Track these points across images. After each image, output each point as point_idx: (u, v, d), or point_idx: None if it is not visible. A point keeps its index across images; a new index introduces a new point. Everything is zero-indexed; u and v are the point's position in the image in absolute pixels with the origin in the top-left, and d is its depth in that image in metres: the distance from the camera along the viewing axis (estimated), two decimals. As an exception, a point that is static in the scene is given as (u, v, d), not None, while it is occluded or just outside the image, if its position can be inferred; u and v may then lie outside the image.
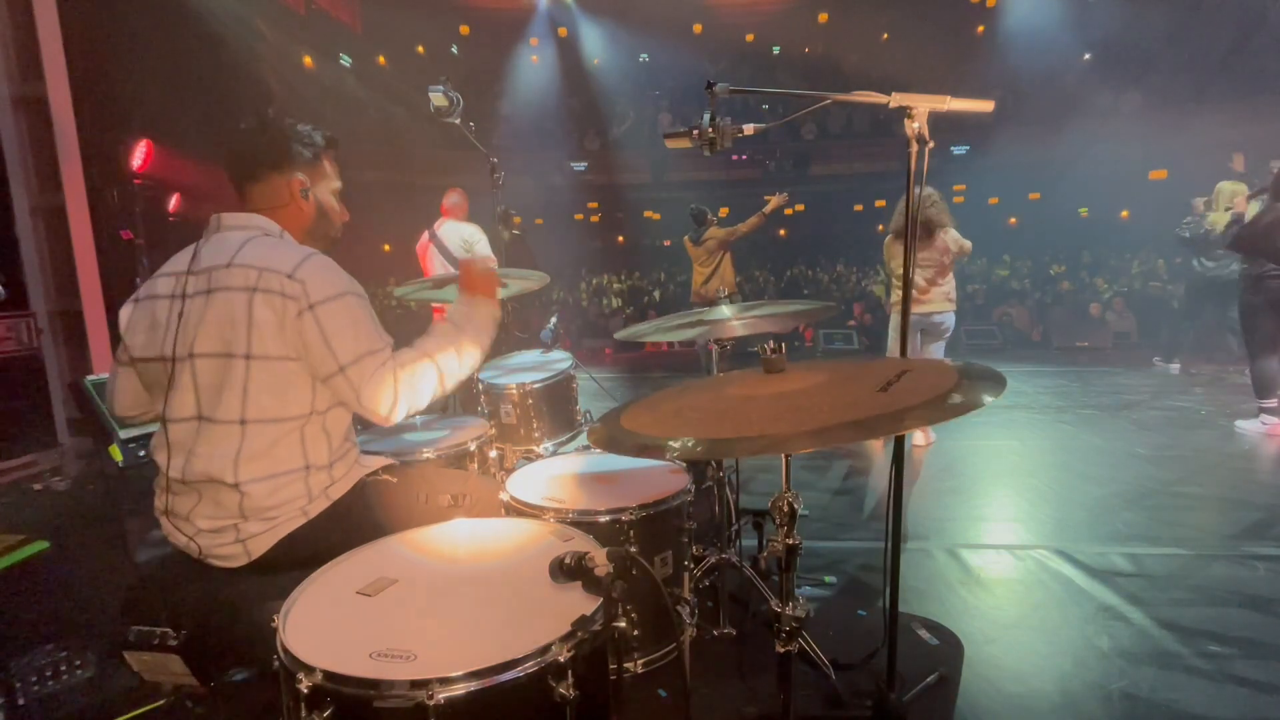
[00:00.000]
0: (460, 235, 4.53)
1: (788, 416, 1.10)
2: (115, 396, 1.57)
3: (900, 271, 4.24)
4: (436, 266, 4.55)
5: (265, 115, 1.56)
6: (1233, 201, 5.52)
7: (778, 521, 1.23)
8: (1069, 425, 5.01)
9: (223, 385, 1.37)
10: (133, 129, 4.84)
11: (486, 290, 1.69)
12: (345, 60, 11.10)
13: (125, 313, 1.51)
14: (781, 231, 14.70)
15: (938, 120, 1.57)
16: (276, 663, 1.03)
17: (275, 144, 1.52)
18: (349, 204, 1.68)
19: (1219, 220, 5.64)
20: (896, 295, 4.45)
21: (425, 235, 4.63)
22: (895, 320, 4.51)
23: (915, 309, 4.34)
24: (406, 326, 10.38)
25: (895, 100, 1.54)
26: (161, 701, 1.81)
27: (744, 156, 13.57)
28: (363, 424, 1.61)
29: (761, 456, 1.03)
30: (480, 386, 2.65)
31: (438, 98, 2.91)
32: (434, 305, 4.60)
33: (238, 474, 1.37)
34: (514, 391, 2.55)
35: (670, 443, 1.12)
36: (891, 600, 1.75)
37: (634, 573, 1.14)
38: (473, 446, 2.21)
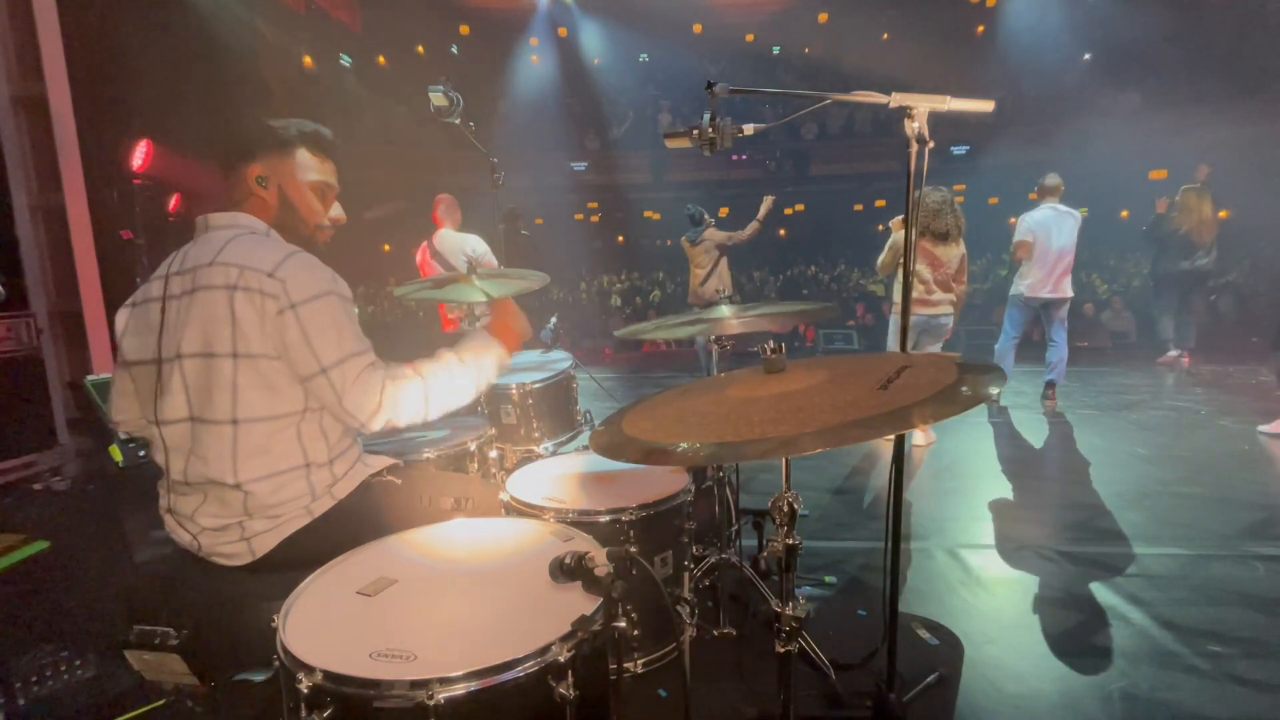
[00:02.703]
0: (461, 246, 4.47)
1: (791, 417, 1.10)
2: (111, 401, 1.57)
3: (916, 269, 4.30)
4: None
5: (235, 110, 1.57)
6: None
7: (778, 521, 1.23)
8: (1069, 425, 5.01)
9: (211, 385, 1.37)
10: (133, 129, 4.83)
11: (510, 341, 1.67)
12: (345, 60, 11.10)
13: (121, 317, 1.51)
14: (781, 231, 14.67)
15: (938, 120, 1.57)
16: (276, 663, 1.03)
17: (239, 134, 1.52)
18: (349, 203, 1.67)
19: (1182, 221, 6.34)
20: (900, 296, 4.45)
21: (424, 246, 4.60)
22: (896, 322, 4.51)
23: (923, 310, 4.35)
24: (407, 327, 10.39)
25: (895, 100, 1.54)
26: (161, 701, 1.81)
27: (744, 156, 13.55)
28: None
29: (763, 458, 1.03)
30: (480, 386, 2.65)
31: (438, 98, 2.90)
32: (440, 304, 4.59)
33: (238, 474, 1.36)
34: (514, 391, 2.55)
35: (679, 446, 1.12)
36: (891, 600, 1.75)
37: (634, 573, 1.14)
38: (473, 446, 2.21)
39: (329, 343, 1.36)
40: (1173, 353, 6.88)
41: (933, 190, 4.26)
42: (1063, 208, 5.14)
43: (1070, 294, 5.17)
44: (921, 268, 4.29)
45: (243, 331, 1.34)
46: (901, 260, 4.35)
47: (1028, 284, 5.16)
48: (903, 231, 4.50)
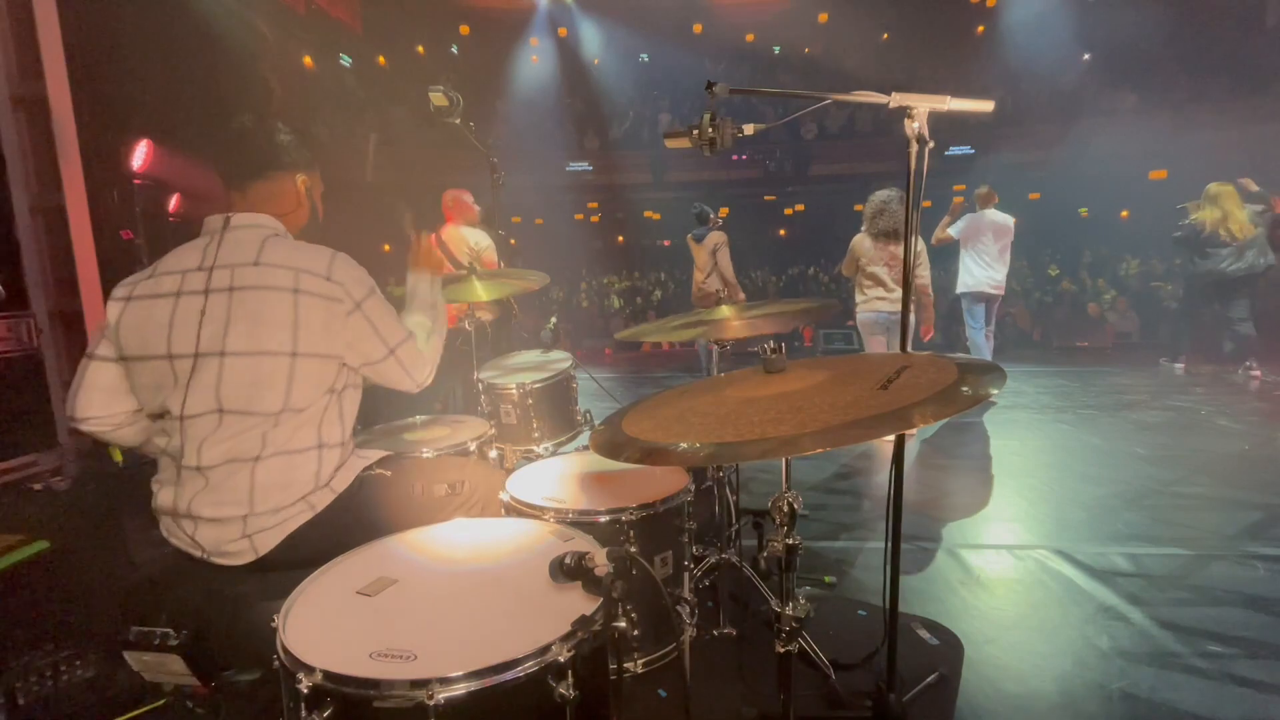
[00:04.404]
0: (467, 243, 4.50)
1: (791, 417, 1.10)
2: (78, 395, 1.47)
3: (873, 270, 4.35)
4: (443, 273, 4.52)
5: (270, 116, 1.59)
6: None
7: (778, 521, 1.23)
8: (1069, 425, 5.02)
9: (259, 381, 1.38)
10: (133, 129, 4.83)
11: (429, 265, 1.90)
12: (345, 60, 11.10)
13: (114, 310, 1.46)
14: (781, 231, 14.69)
15: (938, 120, 1.57)
16: (276, 663, 1.03)
17: (280, 143, 1.57)
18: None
19: (1205, 218, 6.03)
20: (862, 296, 4.52)
21: (431, 239, 4.61)
22: (863, 318, 4.54)
23: (884, 308, 4.39)
24: (406, 326, 10.37)
25: (895, 100, 1.54)
26: (161, 701, 1.81)
27: (744, 156, 13.55)
28: (364, 423, 1.63)
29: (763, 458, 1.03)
30: (480, 386, 2.65)
31: (438, 98, 2.90)
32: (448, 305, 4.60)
33: (263, 449, 1.40)
34: (514, 391, 2.55)
35: (679, 446, 1.12)
36: (891, 600, 1.75)
37: (634, 573, 1.14)
38: (472, 446, 2.21)
39: (391, 328, 1.56)
40: (1178, 364, 6.80)
41: (880, 190, 4.37)
42: (997, 213, 5.65)
43: (1003, 290, 5.72)
44: (879, 268, 4.38)
45: (307, 333, 1.42)
46: (861, 264, 4.45)
47: (974, 281, 5.70)
48: (862, 236, 4.60)
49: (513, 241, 6.44)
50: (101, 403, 1.48)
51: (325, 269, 1.47)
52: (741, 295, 6.18)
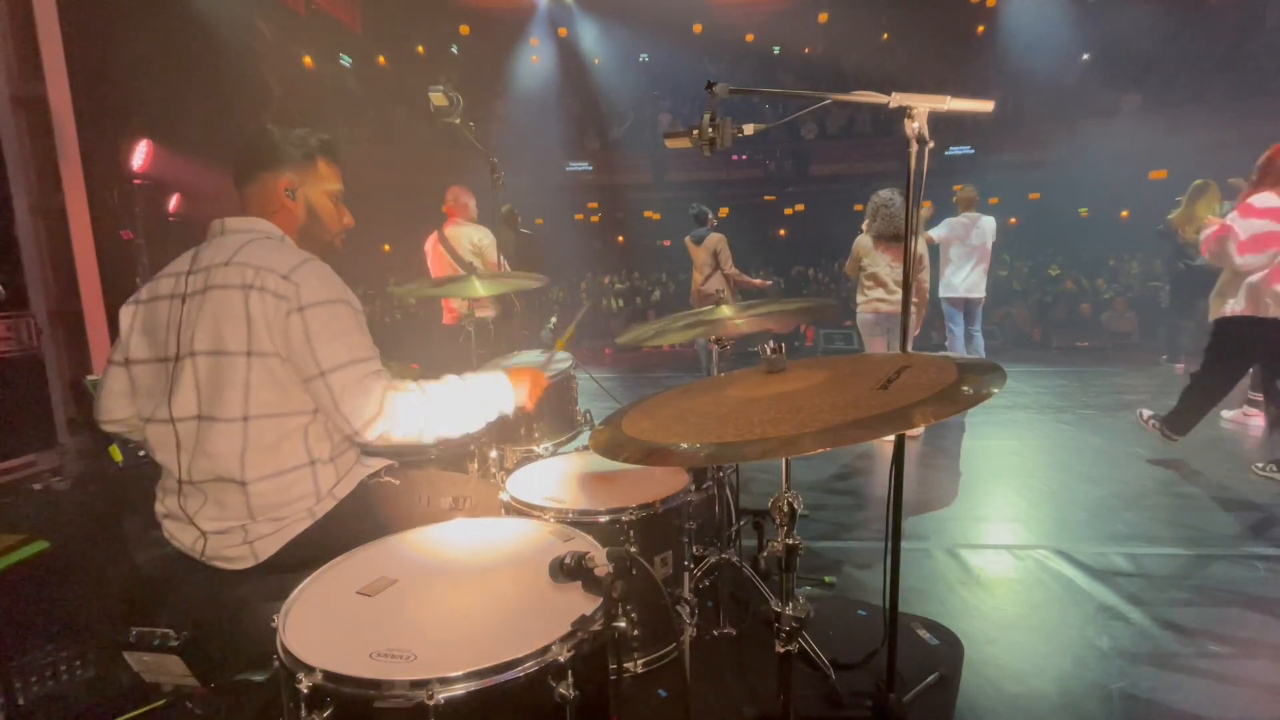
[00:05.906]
0: (469, 239, 4.51)
1: (791, 417, 1.10)
2: (102, 399, 1.55)
3: (873, 270, 4.37)
4: (445, 270, 4.54)
5: (259, 117, 1.57)
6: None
7: (778, 521, 1.23)
8: (1069, 425, 5.02)
9: (223, 383, 1.37)
10: (133, 129, 4.82)
11: (526, 390, 1.65)
12: (345, 60, 11.11)
13: (126, 314, 1.52)
14: (781, 231, 14.69)
15: (938, 120, 1.57)
16: (276, 663, 1.03)
17: (263, 144, 1.53)
18: (349, 204, 1.68)
19: (1174, 216, 5.99)
20: (863, 296, 4.54)
21: (434, 236, 4.63)
22: (863, 319, 4.55)
23: (885, 308, 4.41)
24: (406, 325, 10.38)
25: (895, 100, 1.54)
26: (161, 701, 1.81)
27: (744, 156, 13.57)
28: None
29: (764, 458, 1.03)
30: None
31: (438, 98, 2.90)
32: (444, 300, 4.62)
33: (245, 472, 1.37)
34: (514, 391, 2.54)
35: (679, 446, 1.12)
36: (891, 600, 1.75)
37: (634, 573, 1.14)
38: (473, 446, 2.21)
39: (331, 348, 1.37)
40: (1178, 364, 6.83)
41: (882, 190, 4.40)
42: (979, 216, 5.70)
43: (984, 293, 5.80)
44: (881, 268, 4.40)
45: (256, 330, 1.36)
46: (862, 264, 4.47)
47: (952, 285, 5.80)
48: (863, 236, 4.65)
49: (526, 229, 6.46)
50: (122, 406, 1.54)
51: (289, 269, 1.38)
52: (759, 282, 6.11)
